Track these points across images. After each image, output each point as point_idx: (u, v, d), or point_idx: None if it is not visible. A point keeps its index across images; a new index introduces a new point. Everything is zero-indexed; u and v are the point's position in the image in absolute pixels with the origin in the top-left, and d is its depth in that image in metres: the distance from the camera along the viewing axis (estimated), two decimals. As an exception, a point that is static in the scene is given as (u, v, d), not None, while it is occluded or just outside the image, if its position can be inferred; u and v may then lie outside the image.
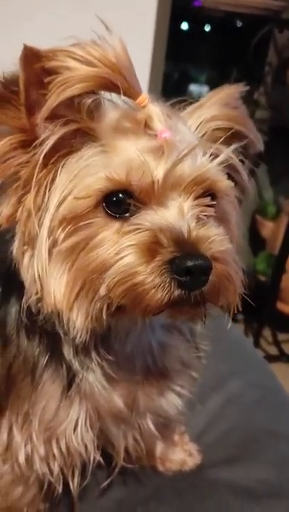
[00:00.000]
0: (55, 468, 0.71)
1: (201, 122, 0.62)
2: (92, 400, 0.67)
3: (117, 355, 0.66)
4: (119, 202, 0.54)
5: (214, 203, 0.58)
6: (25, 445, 0.69)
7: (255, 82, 2.23)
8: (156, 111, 0.54)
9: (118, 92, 0.53)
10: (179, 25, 2.72)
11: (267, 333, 2.58)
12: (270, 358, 2.44)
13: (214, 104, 0.62)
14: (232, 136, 0.62)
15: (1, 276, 0.69)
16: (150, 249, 0.51)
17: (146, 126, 0.54)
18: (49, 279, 0.55)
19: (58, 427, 0.67)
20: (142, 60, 1.92)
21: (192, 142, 0.56)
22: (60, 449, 0.69)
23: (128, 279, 0.51)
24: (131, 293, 0.51)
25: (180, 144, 0.54)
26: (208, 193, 0.57)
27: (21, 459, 0.69)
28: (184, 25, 2.79)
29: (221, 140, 0.60)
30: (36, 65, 0.49)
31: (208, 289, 0.52)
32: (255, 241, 2.80)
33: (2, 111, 0.53)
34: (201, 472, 0.94)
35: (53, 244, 0.55)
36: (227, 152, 0.59)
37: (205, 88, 2.77)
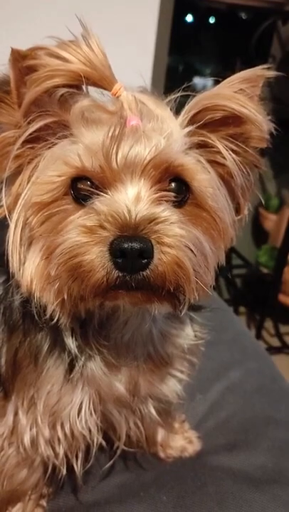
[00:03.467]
0: (60, 451, 0.73)
1: (200, 109, 0.59)
2: (95, 385, 0.69)
3: (116, 342, 0.68)
4: (84, 189, 0.57)
5: (172, 187, 0.58)
6: (31, 428, 0.71)
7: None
8: (128, 99, 0.56)
9: (91, 85, 0.56)
10: (183, 17, 2.71)
11: (269, 325, 2.60)
12: (272, 350, 2.46)
13: (228, 89, 0.59)
14: (228, 124, 0.60)
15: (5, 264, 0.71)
16: (93, 231, 0.52)
17: (120, 115, 0.56)
18: (26, 263, 0.60)
19: (63, 410, 0.69)
20: (145, 53, 1.92)
21: (169, 129, 0.57)
22: (64, 432, 0.71)
23: (70, 260, 0.53)
24: (74, 273, 0.53)
25: (152, 130, 0.56)
26: (171, 177, 0.58)
27: (26, 441, 0.71)
28: (189, 17, 2.78)
29: (204, 124, 0.59)
30: (21, 64, 0.53)
31: (153, 274, 0.52)
32: (258, 234, 2.81)
33: None
34: (201, 458, 0.96)
35: (29, 230, 0.59)
36: (183, 132, 0.58)
37: (209, 81, 2.76)
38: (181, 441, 0.98)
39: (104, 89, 0.56)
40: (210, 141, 0.60)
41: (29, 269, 0.59)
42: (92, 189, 0.56)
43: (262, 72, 0.61)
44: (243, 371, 1.22)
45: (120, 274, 0.51)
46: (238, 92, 0.59)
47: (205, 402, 1.10)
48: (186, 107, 0.60)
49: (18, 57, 0.54)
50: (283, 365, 1.38)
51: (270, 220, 2.71)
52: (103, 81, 0.55)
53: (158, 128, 0.57)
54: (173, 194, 0.57)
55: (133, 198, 0.54)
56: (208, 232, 0.60)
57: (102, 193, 0.55)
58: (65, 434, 0.71)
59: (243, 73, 0.60)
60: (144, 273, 0.51)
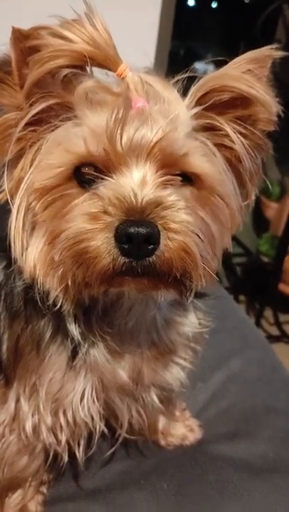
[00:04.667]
0: (62, 439, 0.72)
1: (207, 91, 0.58)
2: (97, 372, 0.68)
3: (119, 329, 0.67)
4: (88, 173, 0.55)
5: (178, 172, 0.56)
6: (33, 415, 0.70)
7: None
8: (133, 80, 0.54)
9: (95, 65, 0.54)
10: (186, 1, 2.67)
11: (268, 313, 2.59)
12: (272, 339, 2.46)
13: (235, 70, 0.58)
14: (235, 106, 0.59)
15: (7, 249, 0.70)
16: (98, 218, 0.51)
17: (125, 97, 0.54)
18: (29, 249, 0.58)
19: (65, 398, 0.69)
20: (148, 37, 1.89)
21: (176, 111, 0.55)
22: (67, 419, 0.71)
23: (74, 245, 0.52)
24: (79, 259, 0.52)
25: (158, 112, 0.54)
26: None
27: (28, 428, 0.71)
28: (191, 1, 2.74)
29: (209, 106, 0.58)
30: (22, 44, 0.52)
31: (159, 260, 0.51)
32: (259, 222, 2.79)
33: None
34: (201, 447, 0.96)
35: (32, 215, 0.58)
36: (189, 114, 0.57)
37: (210, 66, 2.72)
38: (182, 429, 0.98)
39: (109, 69, 0.55)
40: (217, 123, 0.59)
41: (32, 254, 0.58)
42: (96, 173, 0.55)
43: (270, 52, 0.59)
44: (244, 360, 1.22)
45: (126, 260, 0.50)
46: (245, 73, 0.57)
47: (206, 390, 1.10)
48: (193, 89, 0.58)
49: (19, 37, 0.52)
50: (282, 354, 1.37)
51: (271, 209, 2.70)
52: (108, 61, 0.54)
53: (164, 110, 0.55)
54: (179, 178, 0.56)
55: (139, 181, 0.53)
56: (215, 217, 0.59)
57: (106, 177, 0.54)
58: (67, 422, 0.71)
59: (250, 53, 0.59)
60: (151, 259, 0.50)
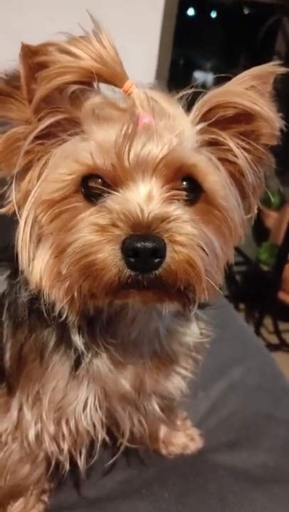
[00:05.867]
0: (65, 447, 0.73)
1: (212, 107, 0.59)
2: (100, 382, 0.69)
3: (123, 340, 0.68)
4: (95, 187, 0.56)
5: (184, 185, 0.57)
6: (35, 424, 0.71)
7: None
8: (139, 96, 0.55)
9: (102, 81, 0.55)
10: (185, 12, 2.69)
11: (268, 322, 2.60)
12: (271, 347, 2.46)
13: (239, 86, 0.59)
14: (239, 122, 0.60)
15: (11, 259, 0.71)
16: (106, 229, 0.52)
17: (132, 113, 0.55)
18: (36, 260, 0.59)
19: (68, 407, 0.69)
20: (150, 47, 1.91)
21: (181, 126, 0.56)
22: (69, 428, 0.71)
23: (82, 259, 0.53)
24: (86, 272, 0.53)
25: (164, 128, 0.55)
26: (183, 176, 0.57)
27: (31, 437, 0.71)
28: (190, 12, 2.76)
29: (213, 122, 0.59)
30: (31, 60, 0.53)
31: (165, 273, 0.51)
32: (259, 231, 2.80)
33: (6, 105, 0.56)
34: (202, 456, 0.97)
35: (39, 227, 0.58)
36: (194, 130, 0.58)
37: (210, 76, 2.74)
38: (183, 439, 0.98)
39: (116, 86, 0.56)
40: (221, 138, 0.60)
41: (38, 266, 0.59)
42: (103, 187, 0.55)
43: (273, 68, 0.60)
44: (244, 368, 1.22)
45: (132, 273, 0.51)
46: (249, 89, 0.58)
47: (207, 399, 1.10)
48: (197, 105, 0.59)
49: (28, 53, 0.53)
50: (282, 363, 1.38)
51: (271, 218, 2.71)
52: (114, 78, 0.55)
53: (170, 126, 0.56)
54: (184, 193, 0.57)
55: (145, 196, 0.54)
56: (219, 231, 0.59)
57: (113, 192, 0.55)
58: (69, 430, 0.71)
59: (253, 70, 0.60)
60: (157, 272, 0.51)
